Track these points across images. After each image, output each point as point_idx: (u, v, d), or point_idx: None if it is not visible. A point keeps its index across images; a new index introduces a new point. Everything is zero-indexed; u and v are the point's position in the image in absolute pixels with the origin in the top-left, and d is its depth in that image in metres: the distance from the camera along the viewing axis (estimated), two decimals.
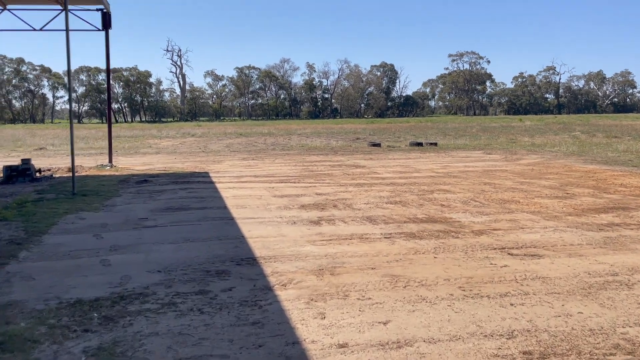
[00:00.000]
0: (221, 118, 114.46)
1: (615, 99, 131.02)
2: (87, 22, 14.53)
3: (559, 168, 14.23)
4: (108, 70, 15.18)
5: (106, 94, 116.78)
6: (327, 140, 29.14)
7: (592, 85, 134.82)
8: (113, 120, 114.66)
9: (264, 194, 9.93)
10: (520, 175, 12.77)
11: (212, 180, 12.13)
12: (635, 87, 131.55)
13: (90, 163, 16.49)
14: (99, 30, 14.56)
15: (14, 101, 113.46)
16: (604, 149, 20.79)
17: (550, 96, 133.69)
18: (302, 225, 7.14)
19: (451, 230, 6.84)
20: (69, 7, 13.98)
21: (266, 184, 11.34)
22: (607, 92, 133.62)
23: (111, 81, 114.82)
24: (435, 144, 23.85)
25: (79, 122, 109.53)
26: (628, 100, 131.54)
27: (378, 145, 23.73)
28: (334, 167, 14.75)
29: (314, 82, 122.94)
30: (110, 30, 14.64)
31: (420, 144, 23.64)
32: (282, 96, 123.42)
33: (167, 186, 11.03)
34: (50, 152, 22.76)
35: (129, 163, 16.66)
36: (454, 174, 12.96)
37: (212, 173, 13.60)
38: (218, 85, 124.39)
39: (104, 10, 14.40)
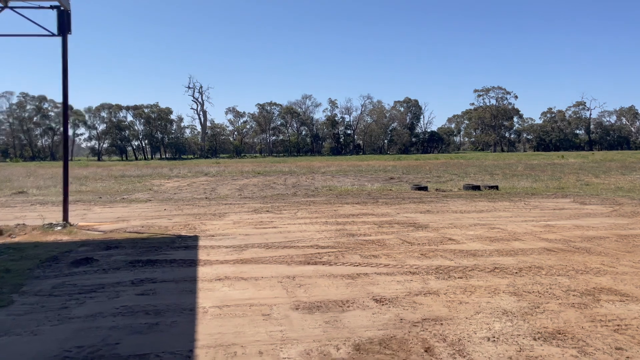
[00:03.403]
0: (242, 155, 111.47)
1: None
2: (38, 25, 10.45)
3: None
4: (65, 87, 10.94)
5: (127, 131, 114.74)
6: (357, 181, 24.59)
7: (624, 120, 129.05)
8: (132, 157, 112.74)
9: (278, 300, 5.32)
10: None
11: (196, 256, 7.58)
12: None
13: (50, 217, 12.18)
14: (54, 35, 10.45)
15: (35, 139, 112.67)
16: None
17: (580, 132, 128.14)
18: None
19: None
20: (11, 3, 9.98)
21: (282, 268, 6.74)
22: None
23: (132, 118, 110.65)
24: (497, 188, 19.06)
25: (98, 159, 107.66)
26: None
27: (424, 189, 19.05)
28: (382, 227, 10.10)
29: (336, 118, 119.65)
30: (69, 36, 10.51)
31: (477, 188, 18.88)
32: (303, 132, 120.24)
33: (115, 274, 6.51)
34: (22, 198, 18.66)
35: (99, 218, 12.30)
36: (578, 244, 8.18)
37: (203, 238, 9.08)
38: (239, 122, 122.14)
39: (61, 9, 10.34)
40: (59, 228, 10.18)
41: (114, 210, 13.97)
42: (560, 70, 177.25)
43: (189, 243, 8.69)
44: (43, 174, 36.93)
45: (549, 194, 16.86)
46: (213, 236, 9.36)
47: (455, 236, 9.05)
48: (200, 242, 8.73)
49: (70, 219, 11.73)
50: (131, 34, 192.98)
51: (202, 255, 7.67)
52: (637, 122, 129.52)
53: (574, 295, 5.40)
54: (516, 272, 6.40)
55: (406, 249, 7.93)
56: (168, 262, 7.17)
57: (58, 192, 20.34)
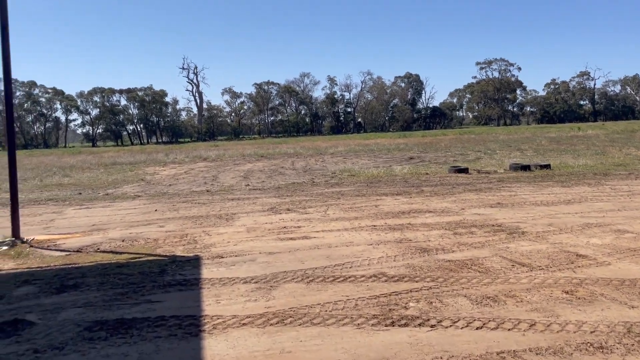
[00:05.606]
0: (240, 136, 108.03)
1: None
2: None
3: None
4: (6, 49, 7.84)
5: (121, 116, 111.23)
6: (373, 162, 21.62)
7: (628, 90, 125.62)
8: (127, 142, 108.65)
9: None
10: None
11: (199, 306, 4.64)
12: None
13: (4, 227, 9.23)
14: None
15: (27, 126, 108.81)
16: None
17: (585, 103, 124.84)
18: None
19: None
20: None
21: (352, 338, 3.79)
22: None
23: (126, 101, 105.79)
24: (549, 167, 16.12)
25: (93, 145, 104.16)
26: None
27: (465, 171, 16.09)
28: (459, 234, 7.16)
29: (336, 96, 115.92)
30: None
31: (527, 168, 15.94)
32: (302, 112, 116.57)
33: None
34: None
35: (69, 225, 9.33)
36: None
37: (208, 262, 6.15)
38: (236, 103, 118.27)
39: None
40: (5, 248, 7.24)
41: (92, 212, 11.00)
42: (564, 40, 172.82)
43: (187, 273, 5.75)
44: (27, 164, 33.87)
45: (623, 174, 13.92)
46: (222, 257, 6.42)
47: (580, 249, 6.11)
48: (205, 272, 5.79)
49: (31, 229, 8.85)
50: (122, 15, 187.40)
51: (208, 302, 4.73)
52: None
53: None
54: None
55: (531, 281, 5.00)
56: (151, 324, 4.23)
57: (32, 187, 17.33)
